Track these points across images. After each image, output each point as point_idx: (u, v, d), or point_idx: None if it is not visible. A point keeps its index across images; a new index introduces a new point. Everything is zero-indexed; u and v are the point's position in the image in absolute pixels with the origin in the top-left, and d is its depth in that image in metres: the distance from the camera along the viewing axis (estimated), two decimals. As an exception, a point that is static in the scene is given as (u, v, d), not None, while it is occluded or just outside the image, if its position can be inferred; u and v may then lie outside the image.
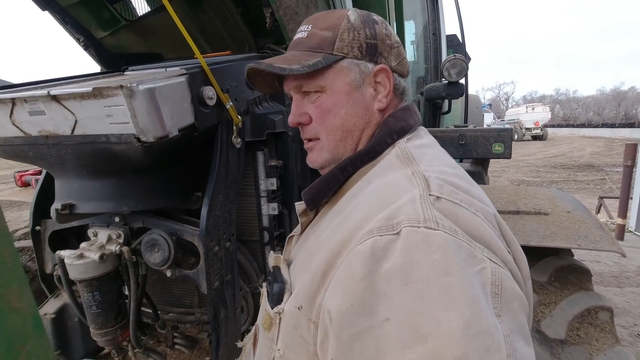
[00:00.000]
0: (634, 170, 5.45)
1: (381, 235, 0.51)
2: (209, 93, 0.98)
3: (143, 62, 1.91)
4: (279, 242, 1.37)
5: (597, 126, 40.31)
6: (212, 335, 1.07)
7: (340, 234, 0.59)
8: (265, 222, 1.33)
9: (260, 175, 1.29)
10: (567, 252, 1.32)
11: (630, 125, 32.77)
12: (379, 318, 0.47)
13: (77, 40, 1.62)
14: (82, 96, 0.83)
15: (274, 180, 1.29)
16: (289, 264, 0.73)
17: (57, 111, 0.88)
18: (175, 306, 1.47)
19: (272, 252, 0.84)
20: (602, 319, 1.03)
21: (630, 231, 5.62)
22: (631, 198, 5.58)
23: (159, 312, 1.35)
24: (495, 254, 0.52)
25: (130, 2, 1.89)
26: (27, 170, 5.77)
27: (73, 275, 1.02)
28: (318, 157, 0.74)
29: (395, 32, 0.83)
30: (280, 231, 1.37)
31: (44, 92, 0.86)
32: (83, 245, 1.08)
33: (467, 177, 0.65)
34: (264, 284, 0.78)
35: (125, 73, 1.49)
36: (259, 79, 0.79)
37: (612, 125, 37.49)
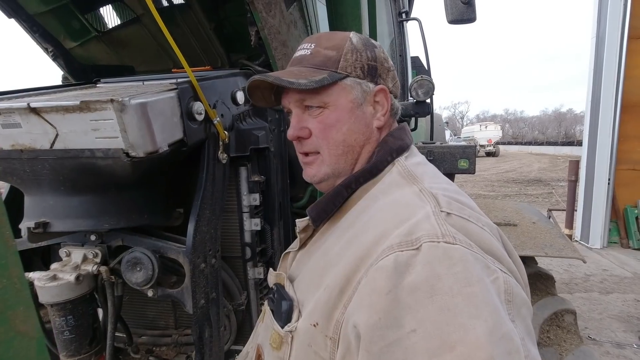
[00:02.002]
0: (577, 184, 5.97)
1: (402, 251, 0.53)
2: (198, 108, 0.98)
3: (113, 74, 1.85)
4: (261, 258, 1.36)
5: (542, 144, 43.72)
6: (197, 355, 1.03)
7: (355, 249, 0.60)
8: (248, 237, 1.31)
9: (243, 191, 1.28)
10: (532, 260, 1.42)
11: (570, 143, 35.85)
12: (405, 330, 0.48)
13: (45, 50, 1.54)
14: (67, 109, 0.80)
15: (256, 196, 1.29)
16: (291, 281, 0.73)
17: (36, 124, 0.84)
18: (150, 328, 1.39)
19: (271, 269, 0.83)
20: (567, 321, 1.12)
21: (577, 241, 6.10)
22: (576, 210, 6.08)
23: (132, 335, 1.28)
24: (503, 264, 0.55)
25: (101, 14, 1.84)
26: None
27: (44, 298, 0.95)
28: (317, 170, 0.75)
29: None
30: (262, 247, 1.36)
31: (22, 104, 0.82)
32: (54, 266, 1.01)
33: (465, 194, 0.69)
34: (266, 302, 0.77)
35: (97, 85, 1.44)
36: (257, 93, 0.80)
37: (555, 143, 40.85)
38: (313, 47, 0.74)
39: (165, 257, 1.02)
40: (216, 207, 1.10)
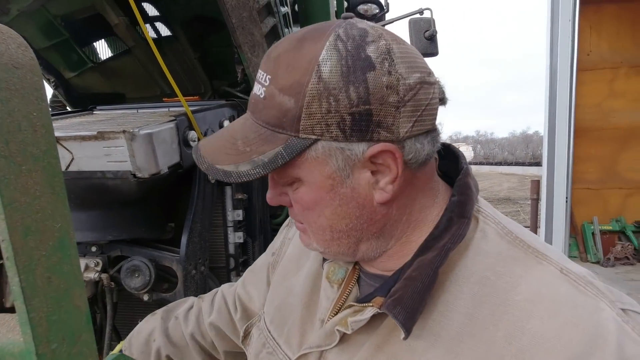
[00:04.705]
0: (539, 202, 6.41)
1: None
2: (192, 136, 1.16)
3: (106, 101, 2.00)
4: (243, 268, 1.52)
5: (511, 164, 45.78)
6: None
7: None
8: (232, 249, 1.47)
9: (228, 207, 1.45)
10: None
11: (537, 164, 37.78)
12: None
13: (48, 80, 1.69)
14: (84, 138, 0.96)
15: (240, 212, 1.46)
16: None
17: (54, 150, 0.99)
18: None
19: None
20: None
21: (540, 255, 6.45)
22: (539, 227, 6.49)
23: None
24: None
25: (96, 47, 2.01)
26: None
27: (51, 302, 1.07)
28: (309, 244, 0.53)
29: None
30: (244, 258, 1.52)
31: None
32: (59, 274, 1.14)
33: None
34: None
35: (94, 112, 1.59)
36: None
37: (523, 164, 42.96)
38: (268, 83, 0.45)
39: (160, 265, 1.17)
40: (205, 221, 1.26)
